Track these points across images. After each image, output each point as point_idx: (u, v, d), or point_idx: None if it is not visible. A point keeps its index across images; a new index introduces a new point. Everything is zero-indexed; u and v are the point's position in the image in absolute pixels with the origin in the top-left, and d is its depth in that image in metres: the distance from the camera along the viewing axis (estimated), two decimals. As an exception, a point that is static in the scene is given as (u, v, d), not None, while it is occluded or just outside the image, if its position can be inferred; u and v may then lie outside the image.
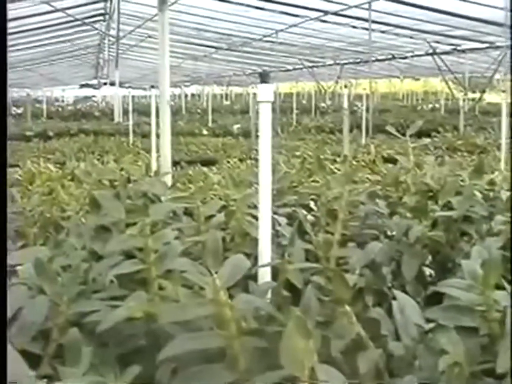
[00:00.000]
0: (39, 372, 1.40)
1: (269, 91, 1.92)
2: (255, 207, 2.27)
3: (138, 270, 1.80)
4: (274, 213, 2.36)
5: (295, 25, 13.63)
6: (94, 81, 30.62)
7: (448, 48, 15.34)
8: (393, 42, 15.32)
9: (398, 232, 2.39)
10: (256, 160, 2.01)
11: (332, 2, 11.36)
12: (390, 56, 17.82)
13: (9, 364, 1.28)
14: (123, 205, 2.19)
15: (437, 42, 14.75)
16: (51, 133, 17.13)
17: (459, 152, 10.67)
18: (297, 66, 21.43)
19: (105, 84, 27.50)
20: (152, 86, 6.43)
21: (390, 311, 1.71)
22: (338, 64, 20.37)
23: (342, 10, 11.73)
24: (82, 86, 33.80)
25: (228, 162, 8.72)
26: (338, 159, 7.71)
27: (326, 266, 2.18)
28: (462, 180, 2.92)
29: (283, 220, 2.47)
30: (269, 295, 1.88)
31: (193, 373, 1.38)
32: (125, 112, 17.04)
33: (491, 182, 2.94)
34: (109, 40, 16.81)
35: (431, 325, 1.59)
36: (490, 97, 26.95)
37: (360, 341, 1.55)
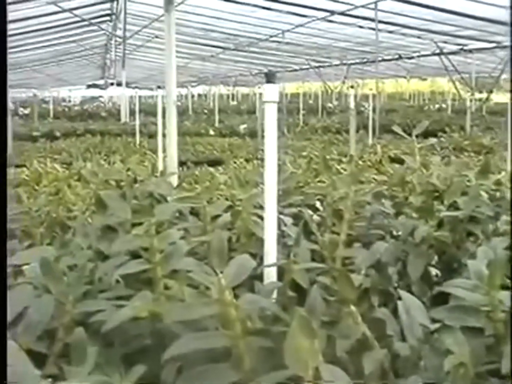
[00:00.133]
0: (45, 371, 1.41)
1: (274, 91, 1.92)
2: (261, 207, 2.27)
3: (144, 270, 1.80)
4: (280, 213, 2.36)
5: (301, 25, 13.64)
6: (101, 82, 30.71)
7: (455, 48, 15.34)
8: (400, 42, 15.31)
9: (404, 232, 2.39)
10: (263, 160, 2.01)
11: (338, 2, 11.37)
12: (396, 56, 17.82)
13: (15, 363, 1.29)
14: (129, 205, 2.20)
15: (444, 42, 14.75)
16: (57, 133, 17.14)
17: (466, 152, 10.64)
18: (304, 66, 21.46)
19: (112, 84, 27.57)
20: (159, 87, 6.44)
21: (396, 311, 1.70)
22: (344, 64, 20.40)
23: (348, 10, 11.73)
24: (89, 86, 33.89)
25: (235, 162, 8.71)
26: (344, 159, 7.70)
27: (332, 266, 2.18)
28: (468, 180, 2.92)
29: (289, 220, 2.47)
30: (275, 295, 1.88)
31: (198, 373, 1.38)
32: (132, 113, 17.06)
33: (498, 182, 2.93)
34: (115, 41, 16.87)
35: (437, 325, 1.59)
36: (497, 97, 26.89)
37: (365, 341, 1.55)
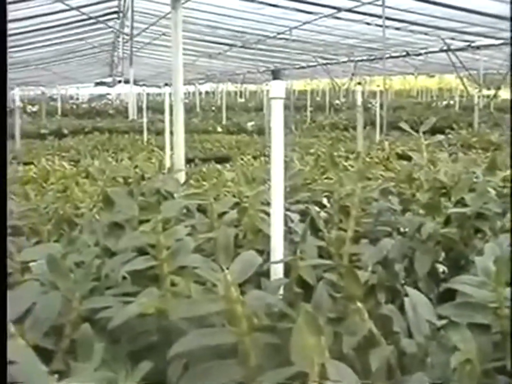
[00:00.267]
0: (52, 367, 1.41)
1: (281, 88, 1.92)
2: (268, 204, 2.27)
3: (151, 266, 1.81)
4: (287, 210, 2.36)
5: (308, 22, 13.64)
6: (109, 79, 30.76)
7: (462, 44, 15.31)
8: (407, 38, 15.29)
9: (411, 229, 2.38)
10: (270, 157, 2.01)
11: (345, -1, 11.36)
12: (404, 53, 17.81)
13: (22, 360, 1.29)
14: (136, 202, 2.20)
15: (452, 38, 14.71)
16: (65, 131, 17.16)
17: (474, 149, 10.60)
18: (311, 64, 21.46)
19: (119, 82, 27.60)
20: (166, 84, 6.43)
21: (403, 308, 1.70)
22: (352, 61, 20.39)
23: (355, 7, 11.72)
24: (97, 84, 33.95)
25: (242, 159, 8.70)
26: (351, 156, 7.69)
27: (338, 263, 2.18)
28: (476, 177, 2.91)
29: (296, 217, 2.47)
30: (281, 291, 1.88)
31: (204, 369, 1.38)
32: (140, 110, 17.05)
33: (505, 179, 2.92)
34: (123, 38, 16.89)
35: (444, 322, 1.58)
36: (505, 93, 26.78)
37: (372, 338, 1.55)
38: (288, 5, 12.21)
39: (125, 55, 18.86)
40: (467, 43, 15.17)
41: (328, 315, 1.60)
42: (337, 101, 27.41)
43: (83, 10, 12.49)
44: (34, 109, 25.43)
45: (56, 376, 1.27)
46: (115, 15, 14.91)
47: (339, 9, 12.10)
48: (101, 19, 14.13)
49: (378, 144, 10.63)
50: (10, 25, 12.28)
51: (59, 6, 11.45)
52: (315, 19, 13.22)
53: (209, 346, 1.43)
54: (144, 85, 21.03)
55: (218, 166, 7.14)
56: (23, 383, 1.23)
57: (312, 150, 9.78)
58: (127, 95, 24.23)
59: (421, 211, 2.54)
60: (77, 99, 37.17)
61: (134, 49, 16.72)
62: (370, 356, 1.48)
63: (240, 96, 36.84)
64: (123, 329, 1.56)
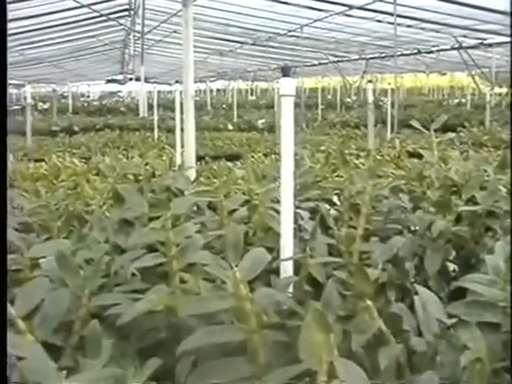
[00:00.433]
0: (60, 363, 1.41)
1: (291, 85, 1.91)
2: (278, 201, 2.27)
3: (160, 263, 1.81)
4: (298, 207, 2.35)
5: (320, 20, 13.59)
6: (120, 77, 30.77)
7: (474, 42, 15.22)
8: (418, 36, 15.22)
9: (421, 227, 2.37)
10: (280, 154, 2.00)
11: (357, -4, 11.34)
12: (415, 51, 17.72)
13: (31, 356, 1.30)
14: (146, 199, 2.20)
15: (464, 36, 14.64)
16: (76, 128, 17.19)
17: (485, 147, 10.55)
18: (322, 61, 21.40)
19: (130, 79, 27.60)
20: (177, 81, 6.42)
21: (413, 306, 1.70)
22: (363, 58, 20.32)
23: (367, 4, 11.68)
24: (108, 81, 33.97)
25: (253, 157, 8.69)
26: (362, 154, 7.67)
27: (348, 261, 2.17)
28: (487, 175, 2.90)
29: (306, 215, 2.46)
30: (291, 289, 1.88)
31: (212, 366, 1.38)
32: (150, 107, 17.05)
33: (517, 177, 2.91)
34: (134, 36, 16.88)
35: (453, 320, 1.58)
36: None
37: (381, 336, 1.54)
38: (299, 2, 12.17)
39: (136, 53, 18.84)
40: (479, 41, 15.08)
41: (338, 313, 1.60)
42: (348, 99, 27.36)
43: (95, 7, 12.50)
44: (46, 106, 25.52)
45: (64, 372, 1.27)
46: (126, 13, 14.90)
47: (350, 7, 12.06)
48: (112, 16, 14.13)
49: (389, 142, 10.60)
50: (21, 23, 12.33)
51: (71, 3, 11.45)
52: (326, 17, 13.18)
53: (217, 343, 1.43)
54: (155, 82, 21.07)
55: (229, 164, 7.14)
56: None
57: (323, 148, 9.76)
58: (138, 93, 24.24)
59: (432, 209, 2.53)
60: (88, 96, 37.27)
61: (145, 47, 16.71)
62: (379, 354, 1.48)
63: (251, 94, 36.81)
64: (132, 326, 1.56)
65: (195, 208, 2.67)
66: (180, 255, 1.80)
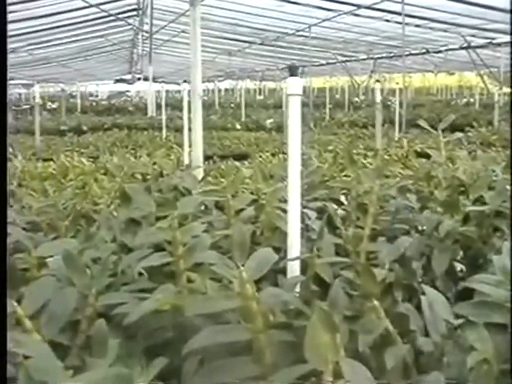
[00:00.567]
0: (67, 362, 1.42)
1: (298, 84, 1.91)
2: (286, 201, 2.27)
3: (167, 262, 1.81)
4: (305, 207, 2.35)
5: (328, 20, 13.59)
6: (128, 76, 30.81)
7: (483, 41, 15.17)
8: (427, 36, 15.20)
9: (429, 227, 2.37)
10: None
11: (365, -5, 11.33)
12: (424, 50, 17.69)
13: (37, 355, 1.30)
14: (154, 199, 2.20)
15: (472, 35, 14.60)
16: (85, 128, 17.22)
17: (494, 147, 10.51)
18: (331, 61, 21.40)
19: (139, 79, 27.63)
20: (185, 81, 6.42)
21: (420, 306, 1.69)
22: (371, 58, 20.31)
23: (375, 3, 11.67)
24: (117, 81, 34.02)
25: (261, 156, 8.68)
26: (370, 154, 7.66)
27: (355, 261, 2.17)
28: (495, 175, 2.89)
29: (313, 214, 2.46)
30: (298, 289, 1.88)
31: (218, 366, 1.38)
32: (159, 107, 17.06)
33: (525, 177, 2.90)
34: (142, 35, 16.91)
35: (460, 321, 1.57)
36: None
37: (388, 336, 1.54)
38: (308, 2, 12.18)
39: (144, 52, 18.88)
40: (488, 40, 15.04)
41: (344, 313, 1.59)
42: (356, 99, 27.33)
43: (103, 7, 12.52)
44: (54, 106, 25.57)
45: (71, 371, 1.27)
46: (134, 13, 14.92)
47: (358, 6, 12.05)
48: (120, 16, 14.15)
49: (397, 142, 10.57)
50: (30, 23, 12.38)
51: (79, 3, 11.47)
52: (335, 16, 13.18)
53: (224, 343, 1.43)
54: (163, 82, 21.10)
55: (237, 163, 7.14)
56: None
57: (330, 148, 9.74)
58: (146, 92, 24.27)
59: (439, 209, 2.52)
60: (97, 96, 37.32)
61: (153, 46, 16.74)
62: (385, 354, 1.47)
63: (259, 93, 36.79)
64: (139, 325, 1.56)
65: (202, 207, 2.67)
66: (187, 254, 1.80)
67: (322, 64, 22.64)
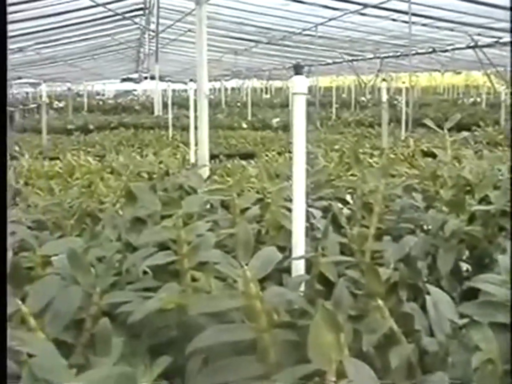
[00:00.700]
0: (71, 361, 1.42)
1: (303, 83, 1.91)
2: (291, 200, 2.27)
3: (171, 261, 1.81)
4: (310, 206, 2.35)
5: (334, 19, 13.55)
6: (135, 75, 30.82)
7: (490, 41, 15.11)
8: (433, 35, 15.15)
9: (434, 226, 2.36)
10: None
11: (371, -5, 11.31)
12: (430, 50, 17.63)
13: (42, 353, 1.30)
14: (159, 197, 2.20)
15: (479, 35, 14.54)
16: (91, 127, 17.27)
17: (500, 147, 10.49)
18: (337, 60, 21.33)
19: (145, 78, 27.64)
20: (191, 80, 6.42)
21: (424, 306, 1.69)
22: (378, 57, 20.24)
23: (381, 3, 11.63)
24: (124, 80, 34.04)
25: (267, 155, 8.68)
26: (376, 153, 7.65)
27: (360, 260, 2.17)
28: (501, 174, 2.88)
29: (318, 213, 2.46)
30: (302, 288, 1.87)
31: (222, 365, 1.38)
32: (165, 106, 17.07)
33: (532, 177, 2.89)
34: (149, 35, 16.91)
35: (465, 320, 1.57)
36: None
37: (392, 336, 1.53)
38: (314, 1, 12.15)
39: (151, 52, 18.87)
40: (495, 39, 14.97)
41: (349, 312, 1.59)
42: (362, 98, 27.31)
43: (110, 6, 12.52)
44: (61, 105, 25.63)
45: (75, 369, 1.27)
46: (141, 12, 14.91)
47: (365, 5, 12.02)
48: (127, 15, 14.15)
49: (403, 141, 10.56)
50: (37, 22, 12.39)
51: (86, 2, 11.48)
52: (341, 16, 13.14)
53: (228, 342, 1.43)
54: (169, 81, 21.09)
55: (243, 162, 7.14)
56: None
57: (337, 147, 9.74)
58: (153, 91, 24.28)
59: (445, 209, 2.52)
60: (103, 95, 37.37)
61: (160, 46, 16.72)
62: (390, 354, 1.47)
63: (266, 93, 36.77)
64: (143, 324, 1.56)
65: (208, 206, 2.67)
66: (192, 253, 1.80)
67: (329, 63, 22.58)
